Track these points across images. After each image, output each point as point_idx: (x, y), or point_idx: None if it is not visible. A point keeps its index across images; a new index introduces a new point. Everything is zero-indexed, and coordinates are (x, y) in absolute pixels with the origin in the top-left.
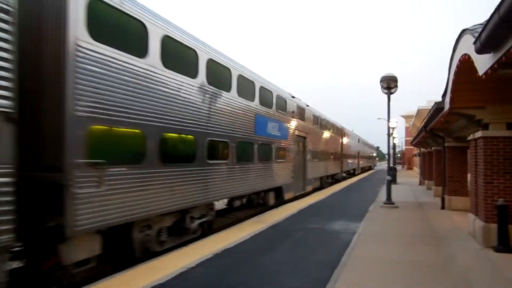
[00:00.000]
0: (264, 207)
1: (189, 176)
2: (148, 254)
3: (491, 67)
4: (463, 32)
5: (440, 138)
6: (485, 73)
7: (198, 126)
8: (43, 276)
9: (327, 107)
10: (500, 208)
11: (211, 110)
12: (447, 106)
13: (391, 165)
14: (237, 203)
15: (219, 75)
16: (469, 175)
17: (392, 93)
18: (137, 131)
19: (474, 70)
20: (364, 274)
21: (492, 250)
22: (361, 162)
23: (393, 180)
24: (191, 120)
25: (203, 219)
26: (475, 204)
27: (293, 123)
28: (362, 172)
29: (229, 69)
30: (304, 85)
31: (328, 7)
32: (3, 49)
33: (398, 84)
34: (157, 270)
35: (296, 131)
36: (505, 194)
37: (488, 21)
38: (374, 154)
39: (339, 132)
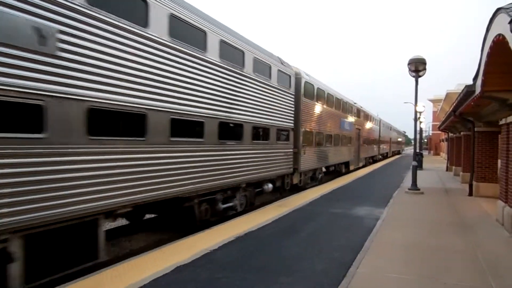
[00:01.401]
0: (339, 174)
1: (319, 152)
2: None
3: None
4: (498, 11)
5: (470, 122)
6: None
7: (324, 127)
8: (289, 187)
9: (353, 88)
10: None
11: (323, 117)
12: (478, 89)
13: (417, 150)
14: (331, 168)
15: (327, 98)
16: (499, 161)
17: (420, 76)
18: (310, 130)
19: (509, 51)
20: (387, 259)
21: None
22: (392, 147)
23: (419, 166)
24: (322, 125)
25: (320, 175)
26: (505, 190)
27: (354, 120)
28: (392, 155)
29: (333, 96)
30: (326, 65)
31: None
32: (291, 105)
33: (427, 67)
34: (182, 251)
35: (356, 125)
36: None
37: None
38: (401, 140)
39: (378, 123)
